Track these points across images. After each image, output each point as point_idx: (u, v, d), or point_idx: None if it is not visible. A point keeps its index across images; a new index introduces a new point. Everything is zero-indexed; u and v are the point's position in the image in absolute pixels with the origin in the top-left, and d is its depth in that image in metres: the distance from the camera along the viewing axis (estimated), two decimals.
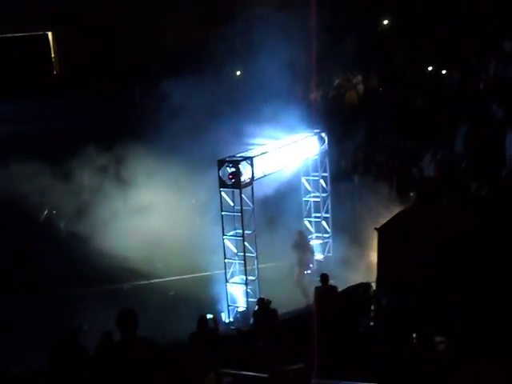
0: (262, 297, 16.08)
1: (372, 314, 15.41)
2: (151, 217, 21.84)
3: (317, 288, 15.71)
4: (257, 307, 15.62)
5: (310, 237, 21.34)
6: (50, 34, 55.10)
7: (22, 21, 51.07)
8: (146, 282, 20.62)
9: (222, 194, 17.63)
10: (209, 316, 13.40)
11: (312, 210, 21.30)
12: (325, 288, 15.54)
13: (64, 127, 28.66)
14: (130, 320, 7.88)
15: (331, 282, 15.95)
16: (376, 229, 16.85)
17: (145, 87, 45.54)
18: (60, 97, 44.12)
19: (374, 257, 18.10)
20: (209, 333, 12.93)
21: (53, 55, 54.33)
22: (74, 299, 19.61)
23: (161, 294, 19.79)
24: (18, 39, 54.02)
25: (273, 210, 21.00)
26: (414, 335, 12.70)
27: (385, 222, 16.87)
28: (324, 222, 21.30)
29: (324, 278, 15.74)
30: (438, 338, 12.43)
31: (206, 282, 19.58)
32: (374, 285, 16.39)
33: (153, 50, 42.73)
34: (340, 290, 16.04)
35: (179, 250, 20.49)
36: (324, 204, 21.23)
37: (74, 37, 51.46)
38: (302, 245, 20.46)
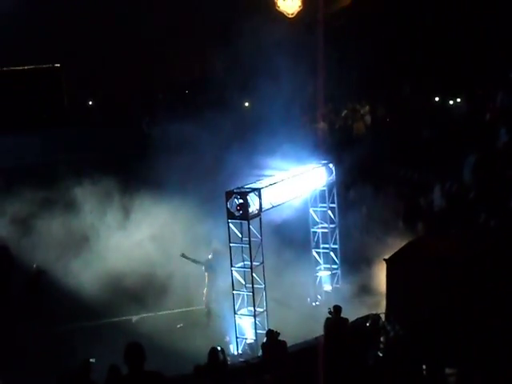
0: (272, 328, 16.00)
1: (381, 346, 15.30)
2: (159, 247, 21.78)
3: (327, 319, 15.63)
4: (266, 339, 15.52)
5: (318, 268, 21.26)
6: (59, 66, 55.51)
7: (32, 53, 51.52)
8: (153, 314, 20.54)
9: (230, 225, 17.62)
10: (218, 348, 13.31)
11: (320, 240, 21.24)
12: (336, 320, 15.46)
13: (69, 158, 28.65)
14: (138, 354, 7.83)
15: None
16: (385, 259, 16.79)
17: (152, 118, 45.79)
18: (70, 128, 44.42)
19: (382, 288, 18.02)
20: (219, 365, 12.85)
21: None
22: (81, 332, 19.57)
23: (169, 326, 19.70)
24: (29, 72, 54.48)
25: (281, 241, 20.93)
26: (424, 367, 12.61)
27: (393, 252, 16.81)
28: (332, 253, 21.23)
29: (337, 309, 15.65)
30: (448, 370, 12.33)
31: (213, 314, 19.56)
32: (383, 316, 16.30)
33: (161, 82, 43.00)
34: (349, 321, 15.95)
35: (186, 281, 20.45)
36: (332, 235, 21.17)
37: (82, 68, 51.89)
38: (214, 265, 20.35)
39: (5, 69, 53.76)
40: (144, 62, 45.99)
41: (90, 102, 53.86)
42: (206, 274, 20.32)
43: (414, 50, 30.79)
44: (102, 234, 22.58)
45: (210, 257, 20.37)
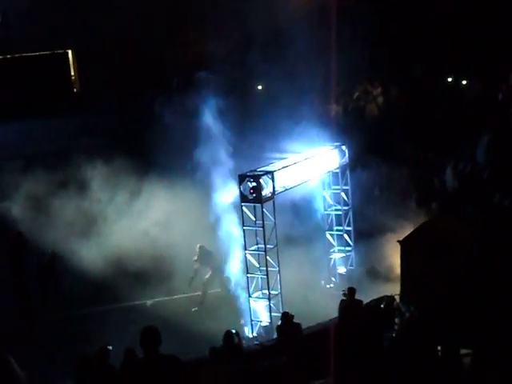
0: (287, 311, 16.03)
1: (396, 327, 15.30)
2: (170, 231, 21.79)
3: (342, 301, 15.64)
4: (280, 321, 15.56)
5: (331, 250, 21.27)
6: (70, 52, 55.61)
7: (42, 39, 51.61)
8: (169, 298, 20.60)
9: (244, 208, 17.64)
10: (233, 331, 13.34)
11: (334, 223, 21.24)
12: (350, 301, 15.47)
13: (81, 144, 28.64)
14: (154, 337, 7.88)
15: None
16: (399, 241, 16.79)
17: (165, 101, 45.63)
18: (80, 114, 44.39)
19: (396, 269, 18.03)
20: (234, 348, 12.88)
21: (73, 73, 54.81)
22: (96, 316, 19.68)
23: (183, 309, 19.76)
24: (38, 58, 54.61)
25: (294, 224, 20.95)
26: (439, 348, 12.60)
27: (407, 234, 16.79)
28: (346, 235, 21.23)
29: (351, 291, 15.64)
30: (463, 351, 12.31)
31: (229, 297, 19.59)
32: (397, 298, 16.31)
33: (174, 65, 42.89)
34: (364, 303, 15.95)
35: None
36: (346, 217, 21.17)
37: (94, 54, 51.93)
38: (203, 260, 20.48)
39: (16, 55, 54.01)
40: (157, 47, 45.97)
41: (103, 89, 53.78)
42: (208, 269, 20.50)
43: (427, 30, 30.59)
44: (115, 217, 22.59)
45: (195, 258, 20.47)
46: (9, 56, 54.58)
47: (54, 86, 54.53)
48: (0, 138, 42.47)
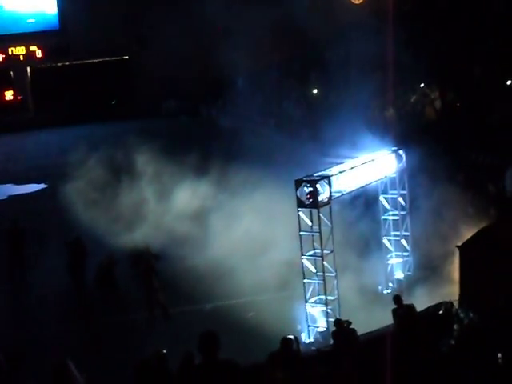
0: (340, 318, 15.98)
1: (455, 334, 15.15)
2: (228, 236, 21.86)
3: (394, 310, 15.60)
4: (335, 328, 15.52)
5: (389, 255, 21.13)
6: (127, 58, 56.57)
7: (102, 46, 52.56)
8: (226, 302, 20.66)
9: (300, 213, 17.62)
10: (289, 337, 13.34)
11: (391, 228, 21.09)
12: (401, 309, 15.39)
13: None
14: (213, 342, 7.91)
15: (411, 301, 15.79)
16: (458, 246, 16.62)
17: (222, 106, 46.06)
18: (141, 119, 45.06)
19: (455, 275, 17.84)
20: (292, 354, 12.88)
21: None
22: (153, 320, 19.84)
23: (241, 314, 19.81)
24: (98, 64, 55.61)
25: (351, 229, 20.85)
26: (500, 355, 12.44)
27: (466, 239, 16.61)
28: (403, 241, 21.06)
29: (397, 299, 15.62)
30: None
31: (285, 302, 19.57)
32: (456, 303, 16.13)
33: (228, 72, 43.27)
34: (421, 309, 15.83)
35: (256, 269, 20.52)
36: (403, 222, 21.00)
37: (149, 60, 52.71)
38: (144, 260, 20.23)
39: (78, 62, 55.12)
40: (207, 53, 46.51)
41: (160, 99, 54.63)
42: None
43: (485, 33, 30.25)
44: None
45: None
46: (67, 63, 55.78)
47: (116, 92, 55.67)
48: (61, 142, 43.37)
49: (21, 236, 23.59)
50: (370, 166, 19.27)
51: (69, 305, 21.56)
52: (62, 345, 17.96)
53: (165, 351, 11.66)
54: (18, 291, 23.25)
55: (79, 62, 55.94)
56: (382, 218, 21.04)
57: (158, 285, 20.02)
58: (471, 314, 14.86)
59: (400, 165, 20.53)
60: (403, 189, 20.89)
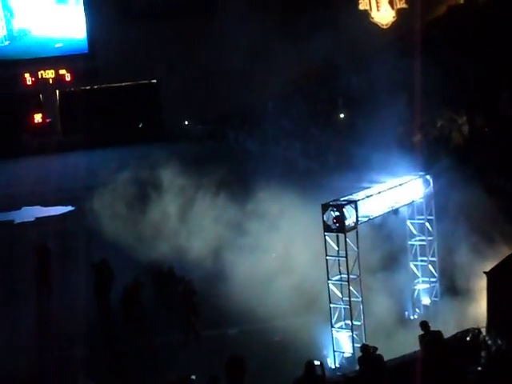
0: (366, 343, 15.90)
1: (482, 361, 15.01)
2: (254, 260, 21.85)
3: (421, 336, 15.51)
4: (361, 353, 15.45)
5: (415, 281, 21.00)
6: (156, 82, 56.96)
7: (130, 70, 53.05)
8: (252, 327, 20.60)
9: (327, 238, 17.61)
10: (316, 362, 13.30)
11: (418, 253, 20.99)
12: (428, 335, 15.29)
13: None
14: (239, 367, 7.90)
15: (438, 327, 15.68)
16: (485, 272, 16.50)
17: (249, 131, 46.16)
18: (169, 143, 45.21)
19: (483, 301, 17.70)
20: (316, 379, 12.84)
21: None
22: (178, 345, 19.84)
23: (267, 339, 19.75)
24: (127, 88, 56.11)
25: (378, 254, 20.78)
26: None
27: (494, 265, 16.50)
28: (430, 266, 20.93)
29: (424, 325, 15.57)
30: None
31: (311, 327, 19.49)
32: (483, 330, 16.00)
33: (255, 97, 43.54)
34: (449, 335, 15.72)
35: (283, 293, 20.48)
36: (430, 247, 20.89)
37: (177, 84, 53.12)
38: None
39: (107, 85, 55.65)
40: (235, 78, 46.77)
41: (186, 122, 55.07)
42: None
43: None
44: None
45: None
46: (96, 86, 56.32)
47: (142, 115, 56.15)
48: (88, 164, 43.64)
49: (48, 258, 23.78)
50: (396, 190, 19.23)
51: (94, 328, 21.57)
52: (86, 369, 17.97)
53: (193, 377, 11.63)
54: (43, 313, 23.31)
55: (108, 85, 56.41)
56: (409, 243, 20.95)
57: (197, 308, 20.09)
58: (499, 341, 14.74)
59: (427, 190, 20.46)
60: (430, 214, 20.79)
